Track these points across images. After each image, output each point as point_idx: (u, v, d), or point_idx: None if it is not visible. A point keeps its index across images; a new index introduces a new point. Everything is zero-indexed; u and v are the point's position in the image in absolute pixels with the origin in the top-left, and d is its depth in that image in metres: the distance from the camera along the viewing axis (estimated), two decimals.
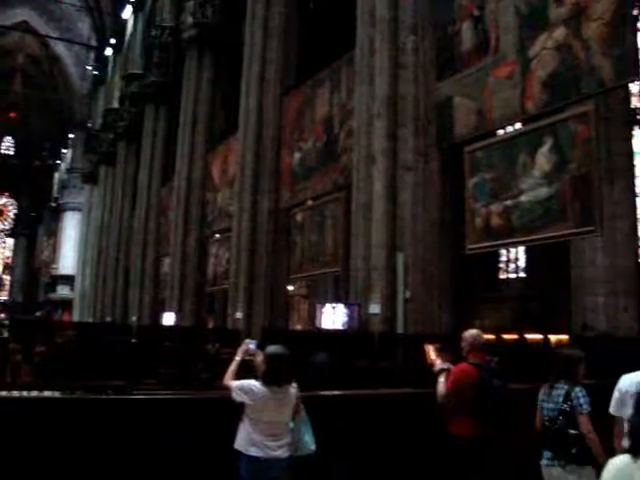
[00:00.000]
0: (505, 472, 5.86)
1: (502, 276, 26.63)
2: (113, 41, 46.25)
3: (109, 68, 47.03)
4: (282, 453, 4.63)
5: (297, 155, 19.99)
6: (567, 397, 4.85)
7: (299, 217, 19.72)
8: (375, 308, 14.18)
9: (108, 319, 37.77)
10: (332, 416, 5.37)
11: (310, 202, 19.55)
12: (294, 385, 4.79)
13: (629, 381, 4.63)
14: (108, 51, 47.79)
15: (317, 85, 19.42)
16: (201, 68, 27.91)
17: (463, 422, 5.29)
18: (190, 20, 27.93)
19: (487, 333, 15.96)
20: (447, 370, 5.60)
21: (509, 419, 5.70)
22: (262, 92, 21.27)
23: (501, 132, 13.93)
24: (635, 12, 21.69)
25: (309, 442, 4.83)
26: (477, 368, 5.36)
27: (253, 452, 4.56)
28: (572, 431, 4.63)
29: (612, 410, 4.73)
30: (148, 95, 34.58)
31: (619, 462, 2.67)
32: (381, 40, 15.43)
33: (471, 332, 5.68)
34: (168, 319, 26.48)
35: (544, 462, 4.96)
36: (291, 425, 4.76)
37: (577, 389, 4.81)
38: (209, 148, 27.48)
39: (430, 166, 14.51)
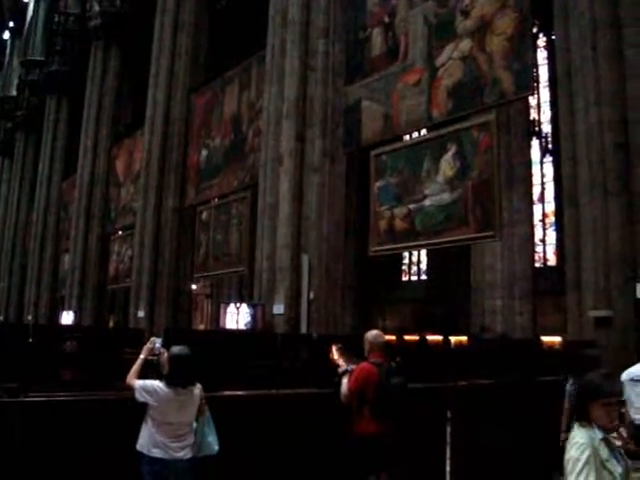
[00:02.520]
0: (407, 468, 5.98)
1: (405, 278, 27.23)
2: (12, 24, 44.00)
3: (7, 52, 44.90)
4: (185, 454, 4.55)
5: (204, 153, 19.74)
6: None
7: (205, 216, 19.47)
8: (279, 308, 14.18)
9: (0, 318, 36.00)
10: (236, 416, 5.32)
11: (216, 201, 19.34)
12: (198, 386, 4.71)
13: (626, 373, 5.93)
14: (5, 34, 45.51)
15: (227, 83, 19.23)
16: (107, 59, 27.04)
17: (365, 420, 5.37)
18: (97, 8, 26.98)
19: (389, 334, 16.28)
20: (349, 372, 5.66)
21: (410, 417, 5.83)
22: (170, 87, 20.86)
23: (407, 137, 14.22)
24: (534, 30, 22.80)
25: (212, 442, 4.76)
26: (378, 367, 5.45)
27: (156, 453, 4.46)
28: None
29: None
30: (50, 84, 33.15)
31: (581, 433, 2.91)
32: (292, 42, 15.45)
33: (372, 332, 5.76)
34: (67, 318, 25.56)
35: None
36: (194, 426, 4.69)
37: None
38: (114, 142, 26.70)
39: (337, 168, 14.64)
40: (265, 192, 15.36)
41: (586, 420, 2.88)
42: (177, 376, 4.59)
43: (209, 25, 21.58)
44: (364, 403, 5.40)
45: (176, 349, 4.68)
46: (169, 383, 4.56)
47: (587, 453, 2.76)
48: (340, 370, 5.74)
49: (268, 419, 5.61)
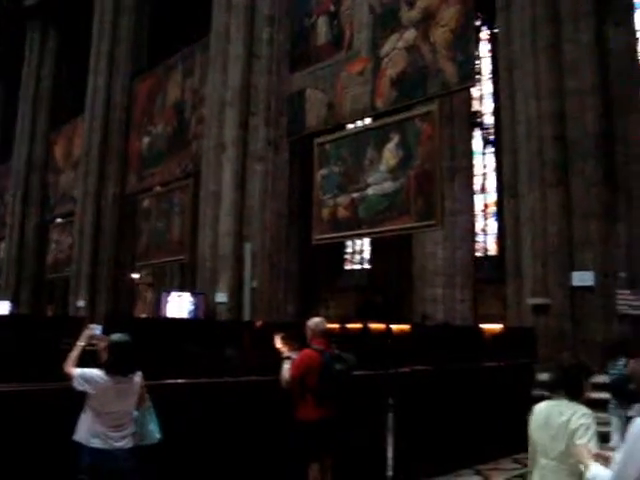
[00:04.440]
0: (350, 453, 6.02)
1: (348, 267, 27.36)
2: None
3: None
4: (125, 444, 4.44)
5: (146, 140, 19.41)
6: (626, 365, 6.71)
7: (146, 203, 19.16)
8: (222, 297, 14.08)
9: None
10: (179, 405, 5.26)
11: (158, 188, 19.05)
12: (139, 374, 4.61)
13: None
14: None
15: (170, 69, 18.92)
16: (45, 41, 26.20)
17: (308, 406, 5.37)
18: None
19: (332, 322, 16.34)
20: (291, 358, 5.66)
21: (353, 403, 5.86)
22: (111, 72, 20.40)
23: (352, 126, 14.26)
24: (478, 23, 23.10)
25: (154, 431, 4.68)
26: (320, 353, 5.45)
27: (95, 444, 4.33)
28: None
29: None
30: None
31: (542, 405, 3.51)
32: (237, 28, 15.29)
33: (314, 320, 5.77)
34: (2, 308, 24.84)
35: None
36: (135, 414, 4.60)
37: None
38: (53, 127, 25.98)
39: (280, 157, 14.60)
40: (208, 180, 15.21)
41: (582, 396, 3.39)
42: (117, 364, 4.47)
43: (152, 9, 21.10)
44: (306, 389, 5.40)
45: (116, 336, 4.57)
46: (108, 371, 4.44)
47: (593, 421, 3.25)
48: (283, 356, 5.72)
49: (211, 407, 5.56)
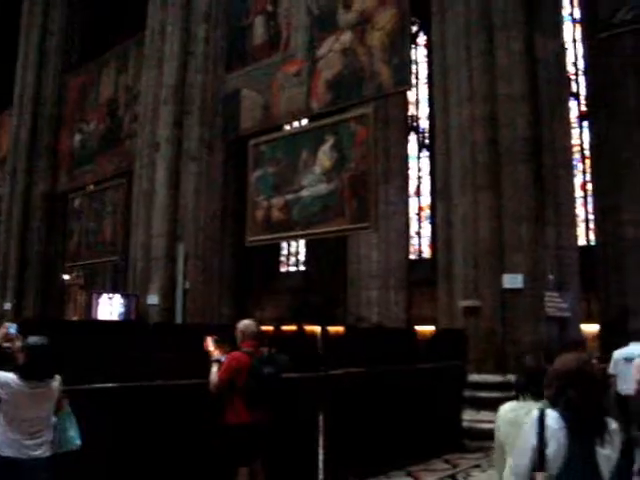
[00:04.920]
0: (280, 457, 5.96)
1: (283, 269, 27.30)
2: None
3: None
4: (42, 452, 4.22)
5: (78, 137, 18.93)
6: None
7: (77, 202, 18.70)
8: (153, 299, 13.83)
9: None
10: (104, 409, 5.11)
11: (91, 187, 18.61)
12: (57, 378, 4.43)
13: (618, 353, 7.93)
14: None
15: (103, 64, 18.51)
16: None
17: (236, 410, 5.30)
18: None
19: (267, 324, 16.23)
20: (220, 361, 5.58)
21: (285, 406, 5.82)
22: (41, 66, 19.81)
23: (288, 128, 14.21)
24: (414, 29, 23.38)
25: (74, 437, 4.50)
26: (249, 356, 5.40)
27: (9, 453, 4.13)
28: None
29: (610, 371, 7.97)
30: None
31: (507, 406, 3.68)
32: (173, 25, 15.06)
33: (244, 322, 5.71)
34: None
35: None
36: (54, 420, 4.42)
37: None
38: None
39: (215, 157, 14.44)
40: (141, 180, 14.94)
41: None
42: (33, 368, 4.26)
43: (85, 2, 20.56)
44: (236, 392, 5.33)
45: (32, 339, 4.36)
46: (23, 375, 4.24)
47: None
48: (211, 359, 5.63)
49: (139, 411, 5.43)
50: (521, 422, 3.15)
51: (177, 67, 14.67)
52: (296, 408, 6.39)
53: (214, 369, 5.48)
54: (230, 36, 14.57)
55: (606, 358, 13.79)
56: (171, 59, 14.79)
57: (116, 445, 5.19)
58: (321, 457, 6.79)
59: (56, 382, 4.42)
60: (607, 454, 2.66)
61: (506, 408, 3.67)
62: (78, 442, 4.52)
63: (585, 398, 2.69)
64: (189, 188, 14.10)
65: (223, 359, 5.53)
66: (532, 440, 2.71)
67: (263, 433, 5.44)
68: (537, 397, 3.46)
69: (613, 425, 2.74)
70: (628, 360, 7.58)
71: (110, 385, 5.48)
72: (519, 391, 3.72)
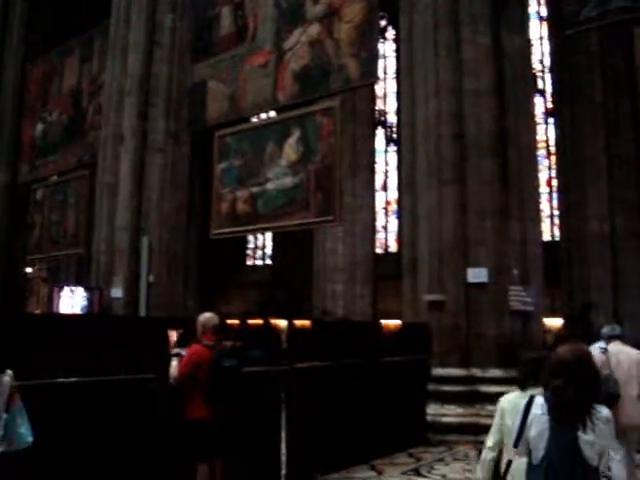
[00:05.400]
0: (242, 453, 5.89)
1: (250, 262, 27.21)
2: None
3: None
4: None
5: (40, 127, 18.55)
6: None
7: (40, 194, 18.35)
8: (117, 292, 13.64)
9: None
10: (61, 405, 4.98)
11: (55, 178, 18.28)
12: (9, 373, 4.29)
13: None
14: None
15: (66, 53, 18.14)
16: None
17: (197, 404, 5.23)
18: None
19: (233, 318, 16.11)
20: (181, 355, 5.51)
21: (246, 401, 5.76)
22: (2, 54, 19.34)
23: (254, 120, 14.09)
24: (383, 23, 23.37)
25: (26, 434, 4.37)
26: (210, 349, 5.32)
27: None
28: None
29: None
30: None
31: (510, 395, 3.85)
32: (138, 14, 14.82)
33: (205, 315, 5.63)
34: None
35: None
36: (5, 417, 4.28)
37: None
38: None
39: (181, 149, 14.29)
40: (104, 171, 14.71)
41: None
42: None
43: None
44: (196, 387, 5.25)
45: None
46: None
47: None
48: (172, 352, 5.54)
49: (95, 407, 5.30)
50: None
51: (142, 57, 14.45)
52: (259, 402, 6.32)
53: (174, 363, 5.39)
54: (196, 26, 14.37)
55: None
56: (136, 49, 14.56)
57: (71, 442, 5.07)
58: (284, 452, 6.73)
59: (7, 377, 4.28)
60: (590, 440, 2.77)
61: (508, 398, 3.85)
62: (30, 439, 4.38)
63: (569, 386, 2.81)
64: (154, 180, 13.93)
65: (184, 353, 5.44)
66: (516, 421, 3.00)
67: (223, 428, 5.36)
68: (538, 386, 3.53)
69: (603, 413, 2.86)
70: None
71: (64, 380, 5.35)
72: (521, 383, 3.88)
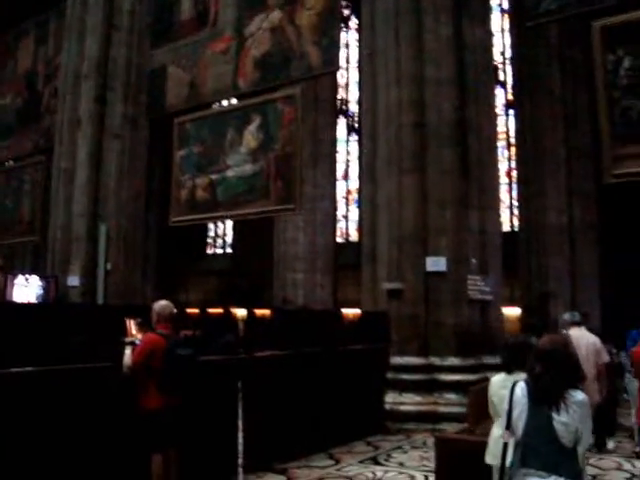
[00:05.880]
0: (198, 443, 5.82)
1: (210, 251, 27.02)
2: None
3: None
4: None
5: None
6: None
7: None
8: (74, 280, 13.40)
9: None
10: (8, 394, 4.86)
11: (11, 163, 17.87)
12: None
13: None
14: None
15: (21, 35, 17.72)
16: None
17: (151, 394, 5.13)
18: None
19: (192, 307, 15.98)
20: (135, 344, 5.41)
21: (202, 390, 5.69)
22: None
23: (215, 106, 13.94)
24: (346, 12, 23.30)
25: None
26: (165, 338, 5.23)
27: None
28: None
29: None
30: None
31: (498, 377, 4.18)
32: None
33: (160, 303, 5.52)
34: None
35: None
36: None
37: None
38: None
39: (139, 134, 14.05)
40: (61, 157, 14.42)
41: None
42: None
43: None
44: (150, 376, 5.15)
45: None
46: None
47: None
48: (125, 341, 5.43)
49: (50, 396, 5.17)
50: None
51: (100, 40, 14.16)
52: (215, 391, 6.24)
53: (127, 352, 5.28)
54: (156, 10, 14.15)
55: None
56: (94, 31, 14.26)
57: (25, 431, 4.95)
58: (241, 441, 6.67)
59: None
60: (564, 421, 3.05)
61: (497, 379, 4.21)
62: None
63: (546, 372, 3.13)
64: (112, 166, 13.70)
65: (137, 341, 5.34)
66: (505, 405, 3.31)
67: (178, 417, 5.27)
68: (523, 369, 3.75)
69: (577, 397, 3.11)
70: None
71: (19, 370, 5.22)
72: (506, 366, 4.21)
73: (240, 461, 6.57)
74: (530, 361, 3.33)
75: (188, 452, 5.64)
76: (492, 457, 4.08)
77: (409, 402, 9.42)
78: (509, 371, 4.13)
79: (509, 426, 3.24)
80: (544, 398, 3.13)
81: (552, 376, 3.13)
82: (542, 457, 3.09)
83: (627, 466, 7.08)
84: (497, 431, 4.07)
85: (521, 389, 3.24)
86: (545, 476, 3.07)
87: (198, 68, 12.84)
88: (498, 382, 4.18)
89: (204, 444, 6.02)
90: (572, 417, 3.07)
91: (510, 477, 3.21)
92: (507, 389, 3.62)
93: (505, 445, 3.27)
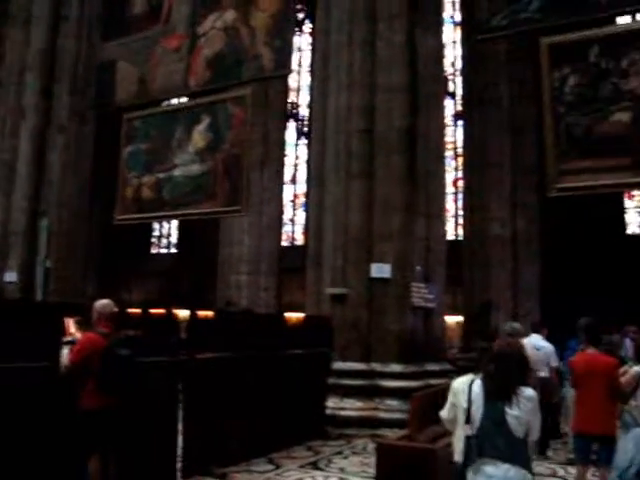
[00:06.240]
0: (137, 445, 5.69)
1: (154, 250, 26.64)
2: None
3: None
4: None
5: None
6: None
7: None
8: (11, 276, 13.04)
9: None
10: None
11: None
12: None
13: (526, 341, 7.09)
14: None
15: None
16: None
17: (89, 394, 5.01)
18: None
19: (134, 307, 15.69)
20: (73, 343, 5.28)
21: (142, 391, 5.58)
22: None
23: (166, 104, 13.76)
24: (301, 16, 23.30)
25: None
26: (105, 338, 5.11)
27: None
28: None
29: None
30: None
31: (464, 377, 4.21)
32: None
33: (101, 301, 5.40)
34: None
35: None
36: None
37: None
38: None
39: (85, 129, 13.79)
40: (2, 149, 14.03)
41: None
42: None
43: None
44: (89, 376, 5.02)
45: None
46: None
47: None
48: (64, 340, 5.29)
49: None
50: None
51: (46, 31, 13.87)
52: (155, 393, 6.12)
53: (65, 351, 5.15)
54: (108, 2, 13.88)
55: (468, 348, 14.41)
56: (40, 21, 13.95)
57: None
58: (180, 445, 6.57)
59: None
60: (515, 414, 3.43)
61: (461, 380, 4.31)
62: None
63: (499, 371, 3.53)
64: (55, 161, 13.39)
65: (72, 339, 5.21)
66: (464, 401, 3.65)
67: (116, 419, 5.16)
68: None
69: (527, 393, 3.51)
70: (536, 348, 8.09)
71: None
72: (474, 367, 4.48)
73: (179, 465, 6.47)
74: (485, 362, 3.71)
75: (127, 454, 5.51)
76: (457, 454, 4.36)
77: (350, 407, 9.42)
78: (477, 372, 4.38)
79: (468, 420, 3.57)
80: (499, 394, 3.50)
81: (506, 375, 3.50)
82: (497, 447, 3.44)
83: (561, 472, 7.22)
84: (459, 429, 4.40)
85: (478, 386, 3.61)
86: (500, 465, 3.43)
87: (149, 64, 12.65)
88: (462, 382, 4.42)
89: (143, 446, 5.89)
90: (523, 411, 3.44)
91: (469, 466, 3.54)
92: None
93: (467, 438, 3.59)
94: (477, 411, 3.56)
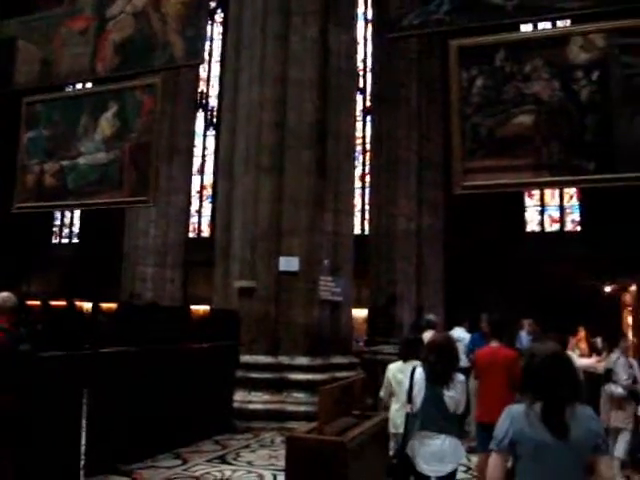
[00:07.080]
0: (36, 443, 5.49)
1: (55, 240, 25.71)
2: None
3: None
4: None
5: None
6: None
7: None
8: None
9: None
10: None
11: None
12: None
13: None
14: None
15: None
16: None
17: None
18: None
19: (34, 299, 15.13)
20: None
21: (42, 386, 5.40)
22: None
23: (71, 89, 13.25)
24: (213, 4, 23.00)
25: None
26: (4, 333, 4.89)
27: None
28: None
29: None
30: None
31: (395, 364, 5.78)
32: None
33: (1, 295, 5.16)
34: None
35: None
36: None
37: None
38: None
39: None
40: None
41: (418, 357, 5.05)
42: None
43: None
44: None
45: None
46: None
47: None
48: None
49: None
50: (406, 373, 4.85)
51: None
52: (57, 389, 5.92)
53: None
54: None
55: (373, 341, 14.69)
56: None
57: None
58: (84, 442, 6.39)
59: None
60: (451, 395, 4.37)
61: (396, 365, 5.75)
62: None
63: (437, 360, 4.38)
64: None
65: None
66: (406, 385, 4.61)
67: (15, 416, 4.95)
68: (416, 359, 5.12)
69: (459, 377, 4.46)
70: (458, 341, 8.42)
71: None
72: (403, 356, 5.78)
73: (82, 463, 6.30)
74: (424, 352, 4.61)
75: (26, 453, 5.32)
76: (393, 426, 5.51)
77: (258, 401, 9.43)
78: (405, 359, 5.65)
79: (410, 400, 4.47)
80: (438, 379, 4.37)
81: (443, 363, 4.38)
82: (436, 422, 4.33)
83: (463, 460, 7.46)
84: (395, 406, 5.61)
85: (419, 373, 4.50)
86: (438, 435, 4.31)
87: (52, 46, 12.11)
88: (395, 368, 5.71)
89: (44, 445, 5.69)
90: (456, 391, 4.38)
91: (410, 438, 4.38)
92: (403, 373, 5.19)
93: (407, 415, 4.52)
94: (419, 393, 4.41)
